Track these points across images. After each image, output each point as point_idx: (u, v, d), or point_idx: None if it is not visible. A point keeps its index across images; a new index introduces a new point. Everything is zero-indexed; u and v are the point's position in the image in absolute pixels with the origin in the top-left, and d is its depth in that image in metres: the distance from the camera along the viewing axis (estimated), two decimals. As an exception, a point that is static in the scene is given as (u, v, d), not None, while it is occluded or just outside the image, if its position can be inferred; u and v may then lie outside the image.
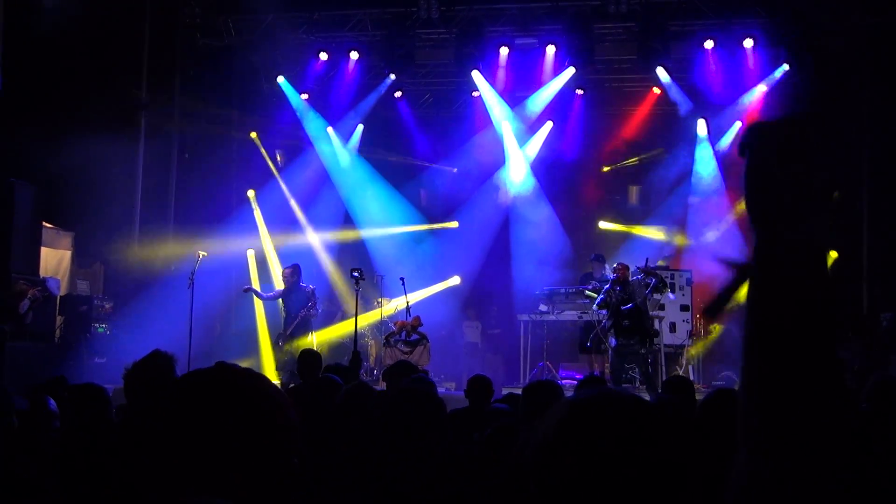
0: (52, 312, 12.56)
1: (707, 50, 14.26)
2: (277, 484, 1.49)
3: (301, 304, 13.05)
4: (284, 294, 13.38)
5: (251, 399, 1.52)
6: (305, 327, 13.22)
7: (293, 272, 13.19)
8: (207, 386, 1.53)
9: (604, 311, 12.11)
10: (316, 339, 13.52)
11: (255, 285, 14.85)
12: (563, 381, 12.26)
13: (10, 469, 3.29)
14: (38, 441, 4.00)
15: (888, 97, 14.09)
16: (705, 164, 15.46)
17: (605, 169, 16.46)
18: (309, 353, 7.81)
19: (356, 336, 9.58)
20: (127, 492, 2.87)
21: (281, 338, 13.28)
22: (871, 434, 3.19)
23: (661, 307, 13.28)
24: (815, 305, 1.06)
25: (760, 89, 14.69)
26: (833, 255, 14.99)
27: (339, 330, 15.08)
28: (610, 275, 12.59)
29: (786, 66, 14.15)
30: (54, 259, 14.01)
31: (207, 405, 1.49)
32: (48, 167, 12.31)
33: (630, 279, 11.88)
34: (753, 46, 14.15)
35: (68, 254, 14.40)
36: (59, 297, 12.86)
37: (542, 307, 14.23)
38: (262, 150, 16.31)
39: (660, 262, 14.74)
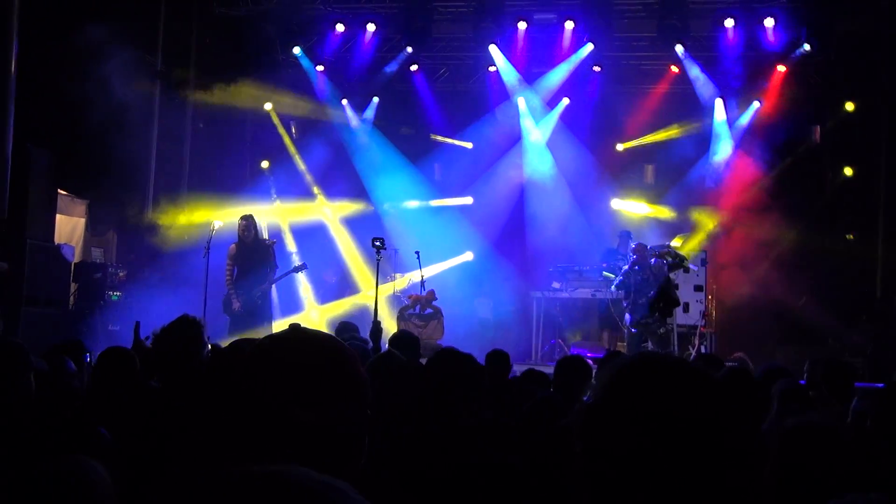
0: (66, 279, 12.59)
1: (727, 28, 14.12)
2: (354, 434, 1.60)
3: (265, 266, 10.96)
4: (239, 256, 10.83)
5: (329, 355, 1.64)
6: (268, 302, 11.09)
7: (253, 224, 10.96)
8: (291, 343, 1.65)
9: (622, 292, 12.15)
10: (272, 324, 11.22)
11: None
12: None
13: (29, 427, 3.30)
14: (57, 401, 4.02)
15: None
16: (722, 143, 15.34)
17: (621, 147, 16.33)
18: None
19: (376, 307, 9.38)
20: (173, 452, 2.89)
21: (237, 321, 10.50)
22: (877, 449, 3.17)
23: (676, 286, 13.26)
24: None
25: (780, 69, 14.56)
26: (849, 237, 14.95)
27: (347, 304, 15.05)
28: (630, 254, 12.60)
29: (807, 47, 13.98)
30: (68, 226, 14.03)
31: (291, 360, 1.61)
32: (64, 134, 12.30)
33: (649, 262, 11.91)
34: (774, 26, 13.99)
35: (82, 221, 14.42)
36: (73, 265, 12.89)
37: (555, 284, 14.20)
38: (277, 121, 16.27)
39: (676, 241, 14.66)
